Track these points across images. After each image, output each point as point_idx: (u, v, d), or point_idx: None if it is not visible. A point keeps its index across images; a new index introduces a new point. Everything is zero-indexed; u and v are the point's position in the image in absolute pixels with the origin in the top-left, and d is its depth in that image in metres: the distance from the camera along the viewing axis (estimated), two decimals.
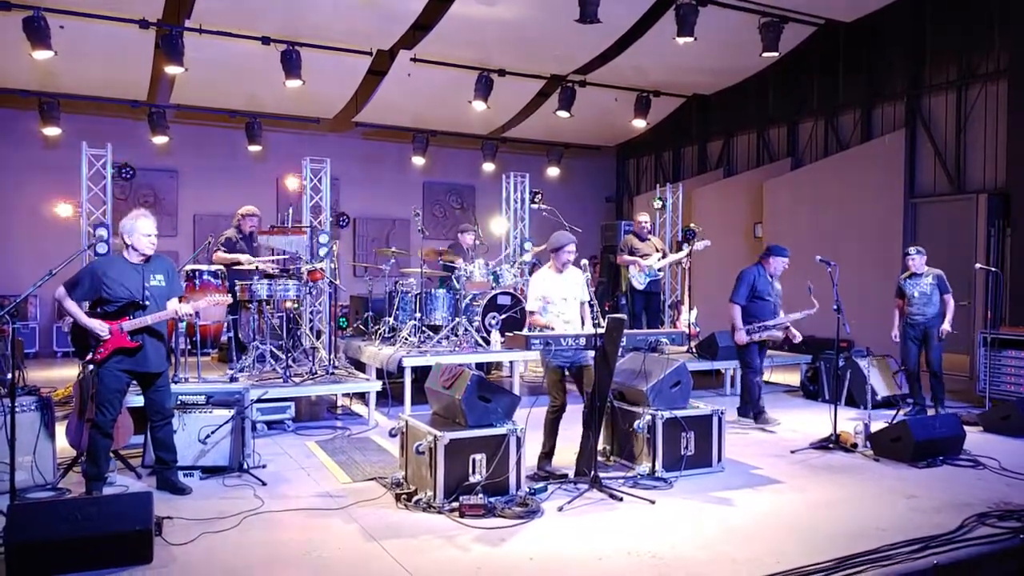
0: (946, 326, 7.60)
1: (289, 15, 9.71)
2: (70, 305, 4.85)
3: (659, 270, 9.71)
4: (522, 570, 3.91)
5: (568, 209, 8.89)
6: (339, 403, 8.20)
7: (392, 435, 5.39)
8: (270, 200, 13.53)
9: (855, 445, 6.30)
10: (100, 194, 8.99)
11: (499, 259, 10.31)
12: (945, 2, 10.59)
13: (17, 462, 4.48)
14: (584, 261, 5.68)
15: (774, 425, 7.14)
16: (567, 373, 5.60)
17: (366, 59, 11.12)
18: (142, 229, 4.96)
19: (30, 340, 11.62)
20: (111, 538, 3.85)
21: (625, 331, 5.32)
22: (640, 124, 13.24)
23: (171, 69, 9.79)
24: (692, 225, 10.58)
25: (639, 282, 9.55)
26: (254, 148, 12.57)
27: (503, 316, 8.65)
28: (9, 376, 5.75)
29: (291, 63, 10.06)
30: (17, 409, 4.51)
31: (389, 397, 7.76)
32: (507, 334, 8.01)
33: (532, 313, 5.68)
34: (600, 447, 5.66)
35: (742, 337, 7.24)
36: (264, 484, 5.31)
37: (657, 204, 12.33)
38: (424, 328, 8.46)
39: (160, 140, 11.92)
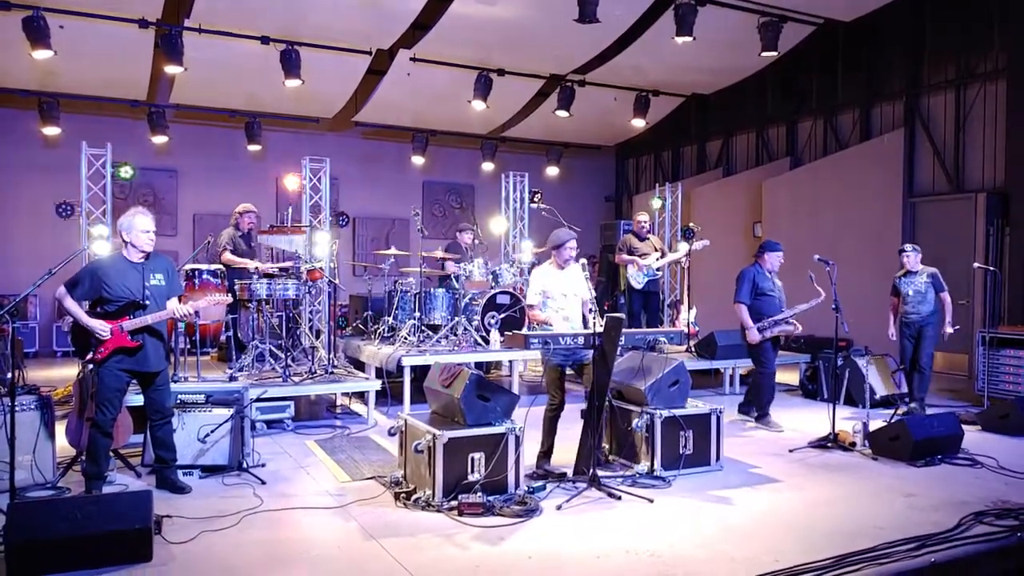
0: (948, 328, 7.59)
1: (289, 15, 9.71)
2: (70, 304, 4.85)
3: (658, 270, 9.72)
4: (521, 568, 3.92)
5: (567, 208, 8.88)
6: (338, 402, 8.21)
7: (391, 434, 5.40)
8: (270, 199, 13.53)
9: (853, 444, 6.32)
10: (100, 193, 9.00)
11: (498, 258, 10.33)
12: (944, 2, 10.60)
13: (17, 461, 4.49)
14: (583, 260, 5.69)
15: (776, 429, 7.11)
16: (568, 370, 5.60)
17: (365, 58, 11.13)
18: (140, 225, 4.96)
19: (30, 339, 11.63)
20: (111, 537, 3.86)
21: (624, 330, 5.33)
22: (639, 124, 13.25)
23: (171, 69, 9.79)
24: (691, 224, 10.59)
25: (637, 281, 9.56)
26: (254, 148, 12.58)
27: (502, 315, 8.66)
28: (9, 375, 5.76)
29: (290, 63, 10.06)
30: (17, 408, 4.52)
31: (388, 396, 7.77)
32: (506, 333, 8.01)
33: (531, 307, 5.71)
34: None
35: (755, 336, 7.04)
36: (263, 483, 5.32)
37: (656, 204, 12.34)
38: (423, 327, 8.47)
39: (159, 140, 11.93)
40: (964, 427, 6.29)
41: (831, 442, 6.36)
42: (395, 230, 14.70)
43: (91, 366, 4.92)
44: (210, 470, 5.52)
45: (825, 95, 12.34)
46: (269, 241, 8.39)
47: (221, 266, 8.24)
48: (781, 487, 5.36)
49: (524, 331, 5.55)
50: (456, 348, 8.21)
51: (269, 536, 4.36)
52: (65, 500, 4.27)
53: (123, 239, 5.00)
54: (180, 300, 5.15)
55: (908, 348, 7.70)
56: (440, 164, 14.90)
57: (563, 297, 5.60)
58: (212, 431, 5.53)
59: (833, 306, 6.54)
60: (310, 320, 8.97)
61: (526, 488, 5.00)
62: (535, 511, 4.68)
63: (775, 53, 10.40)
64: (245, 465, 5.57)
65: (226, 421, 5.58)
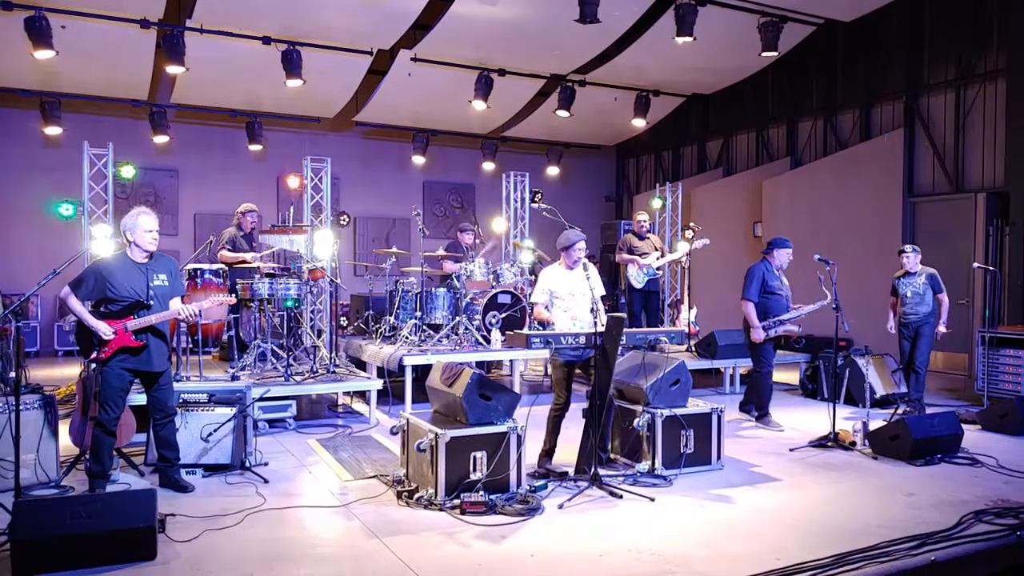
0: (941, 328, 7.61)
1: (290, 15, 9.73)
2: (75, 304, 4.87)
3: (658, 269, 9.74)
4: (523, 567, 3.94)
5: (568, 208, 8.88)
6: (340, 401, 8.23)
7: (393, 433, 5.43)
8: (271, 199, 13.56)
9: (853, 443, 6.34)
10: (102, 193, 9.02)
11: (499, 258, 10.34)
12: (944, 2, 10.61)
13: (21, 460, 4.51)
14: (582, 258, 5.70)
15: (776, 429, 7.12)
16: (576, 369, 5.60)
17: (366, 59, 11.14)
18: (143, 225, 4.98)
19: (31, 339, 11.65)
20: (115, 535, 3.88)
21: (624, 330, 5.35)
22: (640, 123, 13.27)
23: (172, 69, 9.81)
24: (691, 224, 10.61)
25: (638, 281, 9.58)
26: (255, 147, 12.60)
27: (503, 315, 8.68)
28: (12, 375, 5.78)
29: (292, 63, 10.08)
30: (21, 407, 4.54)
31: (390, 395, 7.79)
32: (507, 333, 8.03)
33: (535, 304, 5.74)
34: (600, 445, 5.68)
35: (759, 335, 7.01)
36: (266, 482, 5.34)
37: (656, 204, 12.35)
38: (425, 327, 8.49)
39: (161, 139, 11.95)
40: (964, 426, 6.31)
41: (831, 441, 6.38)
42: (396, 230, 14.71)
43: (94, 365, 4.94)
44: (213, 469, 5.54)
45: (825, 95, 12.35)
46: (271, 241, 8.41)
47: (223, 266, 8.26)
48: (782, 486, 5.38)
49: (525, 330, 5.57)
50: (457, 348, 8.23)
51: (272, 535, 4.38)
52: (70, 499, 4.29)
53: (127, 239, 5.02)
54: (183, 300, 5.18)
55: (906, 348, 7.73)
56: (441, 164, 14.91)
57: (571, 297, 5.60)
58: (215, 430, 5.56)
59: (833, 305, 6.56)
60: (311, 319, 8.99)
61: (528, 487, 5.02)
62: (537, 510, 4.70)
63: (775, 53, 10.42)
64: (247, 464, 5.59)
65: (229, 420, 5.60)
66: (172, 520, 4.44)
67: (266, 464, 5.72)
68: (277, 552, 4.12)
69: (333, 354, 7.87)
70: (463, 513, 4.60)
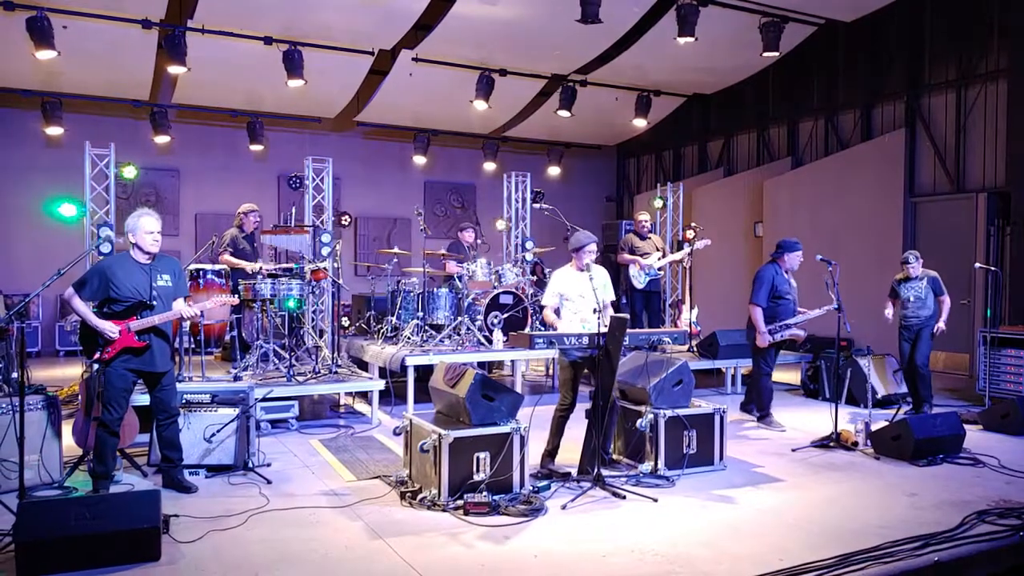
0: (940, 324, 7.61)
1: (291, 15, 9.73)
2: (79, 305, 4.87)
3: (659, 269, 9.74)
4: (526, 567, 3.95)
5: (569, 208, 8.89)
6: (342, 402, 8.23)
7: (396, 433, 5.43)
8: (272, 199, 13.56)
9: (856, 443, 6.34)
10: (103, 194, 9.03)
11: (500, 257, 10.35)
12: (944, 2, 10.62)
13: (24, 460, 4.51)
14: (587, 260, 5.70)
15: (778, 429, 7.12)
16: (584, 369, 5.59)
17: (368, 59, 11.15)
18: (145, 226, 4.98)
19: (33, 339, 11.66)
20: (119, 536, 3.88)
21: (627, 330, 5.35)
22: (641, 123, 13.27)
23: (173, 69, 9.81)
24: (692, 224, 10.61)
25: (639, 281, 9.58)
26: (256, 147, 12.60)
27: (505, 315, 8.68)
28: (15, 375, 5.79)
29: (293, 63, 10.08)
30: (24, 408, 4.55)
31: (392, 396, 7.80)
32: (509, 333, 8.04)
33: (545, 307, 5.77)
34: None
35: (765, 340, 6.97)
36: (269, 482, 5.34)
37: (657, 203, 12.36)
38: (426, 327, 8.49)
39: (162, 140, 11.95)
40: (965, 426, 6.32)
41: (833, 441, 6.39)
42: (397, 230, 14.72)
43: (98, 366, 4.94)
44: (216, 470, 5.55)
45: (826, 95, 12.36)
46: (272, 241, 8.42)
47: (226, 267, 8.27)
48: (784, 486, 5.38)
49: (528, 331, 5.58)
50: (459, 348, 8.23)
51: (276, 535, 4.38)
52: (74, 499, 4.28)
53: (129, 240, 5.03)
54: (186, 301, 5.18)
55: (907, 350, 7.73)
56: (442, 164, 14.92)
57: (580, 299, 5.60)
58: (218, 431, 5.56)
59: (835, 306, 6.57)
60: (313, 320, 8.99)
61: (531, 487, 5.02)
62: (540, 510, 4.70)
63: (777, 53, 10.42)
64: (251, 465, 5.60)
65: (232, 421, 5.60)
66: (176, 521, 4.44)
67: (269, 465, 5.73)
68: (281, 553, 4.12)
69: (335, 354, 7.88)
70: (466, 514, 4.61)
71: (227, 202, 11.69)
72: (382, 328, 8.96)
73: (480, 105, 11.63)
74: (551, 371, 9.72)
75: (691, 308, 10.31)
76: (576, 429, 5.59)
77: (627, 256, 9.67)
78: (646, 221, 9.87)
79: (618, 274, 9.81)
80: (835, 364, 7.40)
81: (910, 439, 5.88)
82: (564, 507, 4.80)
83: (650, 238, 9.83)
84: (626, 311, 9.55)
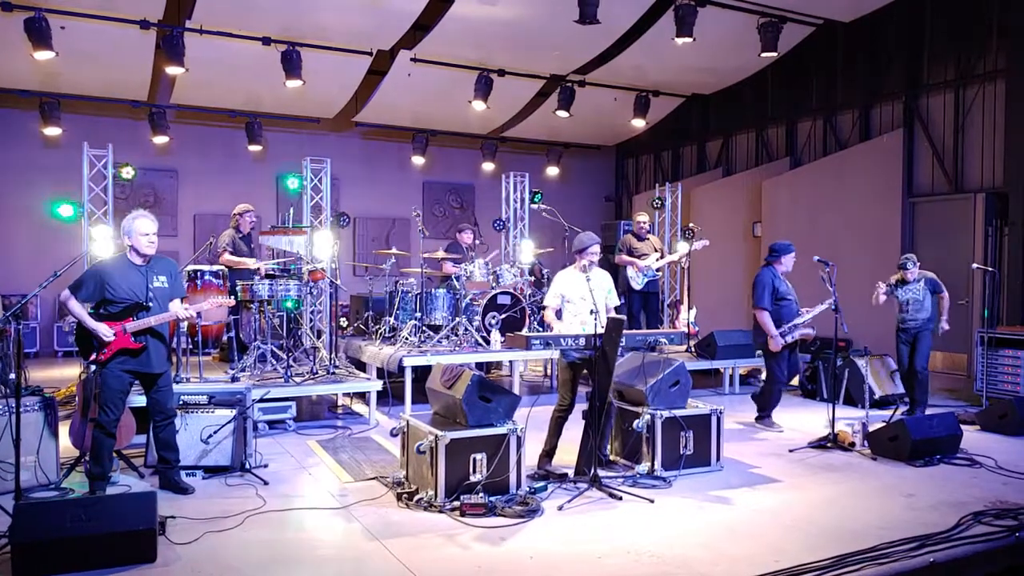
0: (944, 325, 7.60)
1: (289, 15, 9.73)
2: (75, 307, 4.87)
3: (657, 270, 9.73)
4: (522, 568, 3.95)
5: (567, 209, 8.90)
6: (340, 403, 8.23)
7: (393, 435, 5.43)
8: (270, 200, 13.55)
9: (853, 444, 6.35)
10: (101, 194, 9.02)
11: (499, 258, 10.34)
12: (943, 2, 10.61)
13: (21, 462, 4.51)
14: (585, 262, 5.70)
15: (775, 430, 7.11)
16: (583, 370, 5.59)
17: (366, 59, 11.14)
18: (140, 229, 4.99)
19: (30, 340, 11.65)
20: (116, 537, 3.89)
21: (624, 331, 5.35)
22: (639, 124, 13.27)
23: (172, 69, 9.81)
24: (690, 225, 10.61)
25: (637, 282, 9.58)
26: (254, 148, 12.59)
27: (503, 316, 8.68)
28: (12, 376, 5.78)
29: (291, 63, 10.08)
30: (21, 409, 4.54)
31: (389, 397, 7.80)
32: (507, 334, 8.04)
33: (546, 308, 5.78)
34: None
35: (779, 343, 6.90)
36: (266, 484, 5.34)
37: (656, 204, 12.36)
38: (424, 328, 8.49)
39: (160, 140, 11.94)
40: (963, 427, 6.32)
41: (831, 442, 6.39)
42: (395, 230, 14.71)
43: (94, 367, 4.94)
44: (213, 471, 5.54)
45: (824, 95, 12.36)
46: (270, 242, 8.41)
47: (223, 267, 8.26)
48: (781, 487, 5.38)
49: (525, 331, 5.58)
50: (457, 348, 8.23)
51: (272, 537, 4.38)
52: (70, 501, 4.28)
53: (125, 242, 5.03)
54: (183, 302, 5.18)
55: (904, 353, 7.70)
56: (440, 164, 14.91)
57: (582, 301, 5.57)
58: (215, 432, 5.56)
59: (833, 307, 6.57)
60: (311, 320, 8.99)
61: (528, 489, 5.03)
62: (537, 511, 4.71)
63: (775, 53, 10.42)
64: (248, 466, 5.60)
65: (229, 422, 5.60)
66: (172, 522, 4.44)
67: (266, 466, 5.73)
68: (277, 554, 4.13)
69: (333, 355, 7.87)
70: (463, 515, 4.61)
71: (225, 202, 11.64)
72: (380, 329, 8.96)
73: (479, 105, 11.63)
74: (550, 371, 9.71)
75: (689, 308, 10.31)
76: (574, 430, 5.59)
77: (625, 257, 9.67)
78: (644, 222, 9.87)
79: (616, 275, 9.80)
80: (832, 365, 7.40)
81: (907, 440, 5.89)
82: (560, 508, 4.80)
83: (648, 239, 9.83)
84: (623, 312, 9.55)
